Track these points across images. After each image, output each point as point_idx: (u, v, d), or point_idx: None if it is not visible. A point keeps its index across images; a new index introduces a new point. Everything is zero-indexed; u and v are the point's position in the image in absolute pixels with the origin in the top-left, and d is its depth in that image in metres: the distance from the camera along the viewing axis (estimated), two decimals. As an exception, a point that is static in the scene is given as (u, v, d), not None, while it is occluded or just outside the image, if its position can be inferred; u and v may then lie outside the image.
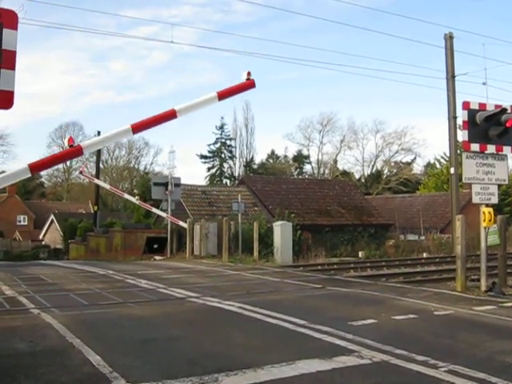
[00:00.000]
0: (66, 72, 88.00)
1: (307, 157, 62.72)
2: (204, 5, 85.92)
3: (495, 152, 9.84)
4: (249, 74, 8.13)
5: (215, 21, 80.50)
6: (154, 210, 25.58)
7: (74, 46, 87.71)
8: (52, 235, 46.17)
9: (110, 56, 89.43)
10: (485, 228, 9.63)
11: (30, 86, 77.33)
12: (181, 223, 22.75)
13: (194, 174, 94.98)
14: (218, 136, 59.94)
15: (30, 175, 7.90)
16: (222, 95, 9.39)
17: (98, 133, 37.12)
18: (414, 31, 70.89)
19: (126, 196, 28.77)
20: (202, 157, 60.55)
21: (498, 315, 7.37)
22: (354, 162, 61.56)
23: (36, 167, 7.84)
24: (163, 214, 24.20)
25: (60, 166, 65.59)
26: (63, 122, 68.91)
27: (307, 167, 63.87)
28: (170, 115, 9.03)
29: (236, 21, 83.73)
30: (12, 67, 4.81)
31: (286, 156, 65.08)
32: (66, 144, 6.45)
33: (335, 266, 18.21)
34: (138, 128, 9.18)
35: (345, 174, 58.48)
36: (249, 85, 8.72)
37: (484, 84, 21.16)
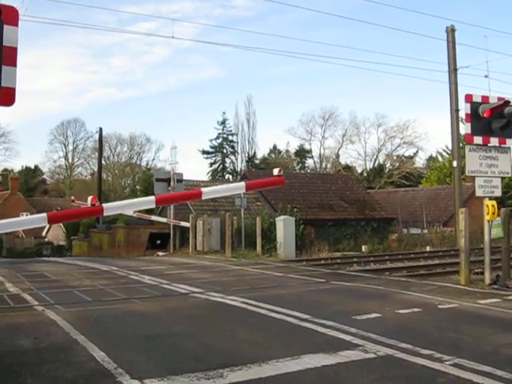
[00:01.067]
0: (68, 69, 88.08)
1: (309, 151, 62.75)
2: (204, 0, 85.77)
3: (498, 145, 9.82)
4: (280, 170, 8.11)
5: (215, 16, 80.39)
6: (154, 217, 25.47)
7: (75, 42, 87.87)
8: (55, 232, 46.20)
9: (110, 52, 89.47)
10: (488, 221, 9.62)
11: (31, 82, 77.37)
12: (182, 223, 22.72)
13: (197, 169, 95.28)
14: (220, 131, 60.16)
15: (47, 224, 7.95)
16: (250, 187, 9.58)
17: (100, 129, 37.20)
18: (415, 24, 70.70)
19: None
20: (204, 152, 60.70)
21: (503, 308, 7.37)
22: (356, 156, 61.59)
23: (54, 218, 7.87)
24: (163, 220, 24.19)
25: (62, 162, 65.91)
26: (65, 118, 68.90)
27: (309, 162, 63.94)
28: (195, 195, 9.06)
29: (236, 15, 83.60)
30: (13, 64, 4.78)
31: (287, 151, 65.20)
32: (89, 202, 6.53)
33: (338, 261, 18.20)
34: (162, 201, 9.50)
35: (347, 168, 58.38)
36: (278, 181, 8.69)
37: (486, 77, 21.08)
